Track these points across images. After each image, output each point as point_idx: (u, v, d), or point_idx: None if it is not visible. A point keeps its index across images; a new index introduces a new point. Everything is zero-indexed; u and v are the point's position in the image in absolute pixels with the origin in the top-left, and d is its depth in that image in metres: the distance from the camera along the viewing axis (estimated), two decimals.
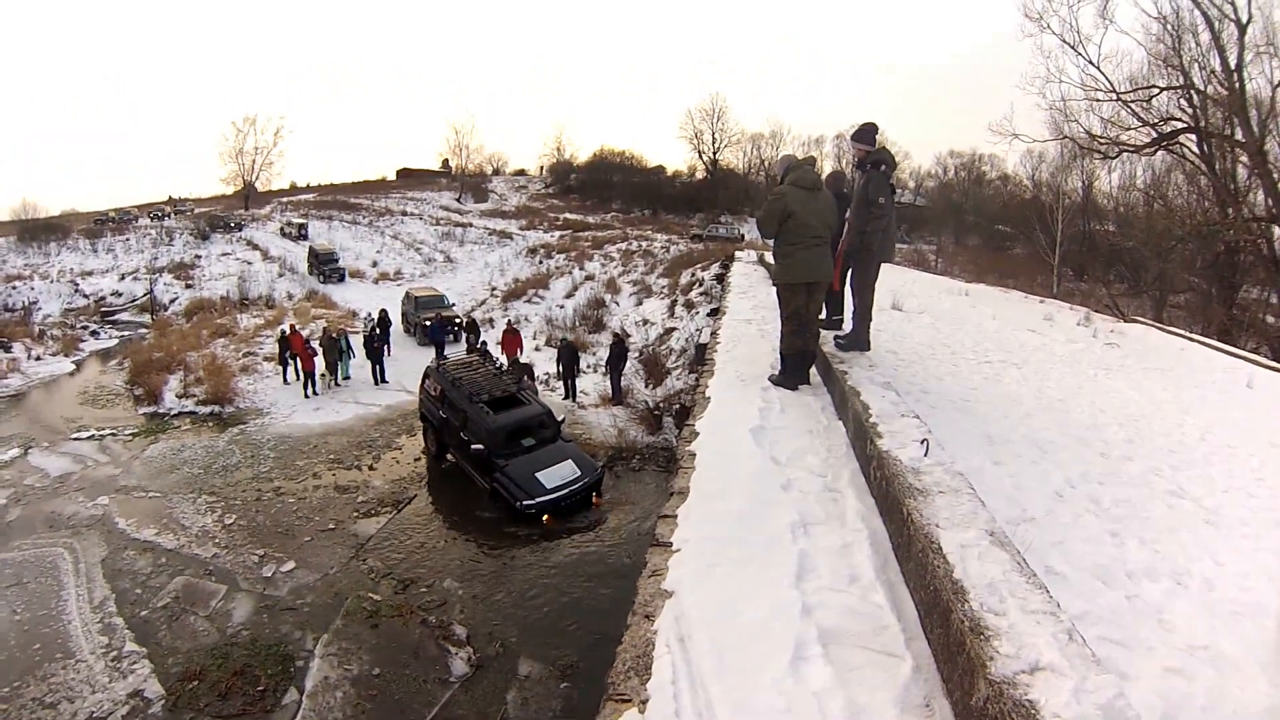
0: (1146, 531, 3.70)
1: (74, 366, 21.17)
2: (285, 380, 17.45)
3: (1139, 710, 1.70)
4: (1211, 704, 2.39)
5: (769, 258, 8.46)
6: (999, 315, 11.81)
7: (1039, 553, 3.07)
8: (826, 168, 66.75)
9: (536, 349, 20.35)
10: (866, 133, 5.59)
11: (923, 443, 3.35)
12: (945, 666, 2.21)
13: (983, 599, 2.08)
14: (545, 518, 10.29)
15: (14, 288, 30.62)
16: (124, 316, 29.47)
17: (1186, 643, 2.72)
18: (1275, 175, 16.85)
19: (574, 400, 16.31)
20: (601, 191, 65.57)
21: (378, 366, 17.98)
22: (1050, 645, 1.85)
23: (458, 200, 61.34)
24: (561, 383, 16.75)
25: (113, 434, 14.66)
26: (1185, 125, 18.86)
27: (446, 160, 71.34)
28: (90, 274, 33.65)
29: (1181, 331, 13.31)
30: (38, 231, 39.94)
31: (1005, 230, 47.04)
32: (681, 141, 68.88)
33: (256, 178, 56.99)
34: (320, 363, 17.23)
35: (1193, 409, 6.85)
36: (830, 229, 5.24)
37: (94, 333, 26.10)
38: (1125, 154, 21.24)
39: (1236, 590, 3.19)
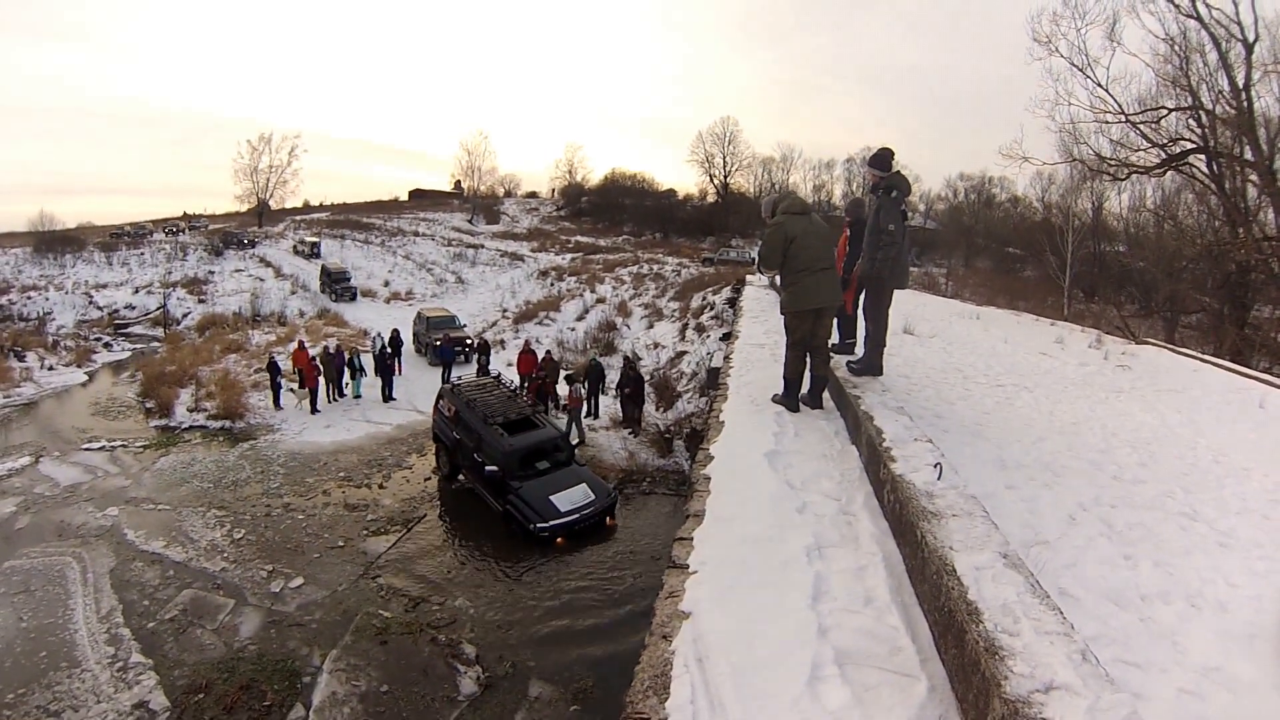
0: (1160, 554, 3.71)
1: (86, 377, 21.45)
2: (278, 405, 16.93)
3: None
4: None
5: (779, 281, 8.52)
6: (1010, 338, 11.78)
7: (1052, 575, 3.09)
8: (837, 191, 67.50)
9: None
10: (882, 158, 5.56)
11: (936, 466, 3.37)
12: (960, 686, 2.23)
13: (997, 620, 2.11)
14: (558, 540, 10.29)
15: (29, 298, 31.15)
16: (137, 330, 29.80)
17: (1200, 664, 2.73)
18: None
19: (594, 418, 16.26)
20: (613, 214, 66.16)
21: (387, 384, 18.03)
22: (1064, 665, 1.88)
23: (469, 221, 61.99)
24: (587, 401, 16.74)
25: (123, 445, 14.81)
26: (1194, 145, 18.78)
27: (459, 181, 72.33)
28: (104, 287, 34.14)
29: (1193, 352, 13.22)
30: (54, 243, 40.49)
31: (1016, 252, 47.08)
32: (692, 165, 69.36)
33: (270, 196, 57.57)
34: (322, 381, 17.16)
35: (1206, 431, 6.82)
36: (830, 249, 5.30)
37: (107, 345, 26.46)
38: (1135, 175, 21.22)
39: (1251, 612, 3.19)
